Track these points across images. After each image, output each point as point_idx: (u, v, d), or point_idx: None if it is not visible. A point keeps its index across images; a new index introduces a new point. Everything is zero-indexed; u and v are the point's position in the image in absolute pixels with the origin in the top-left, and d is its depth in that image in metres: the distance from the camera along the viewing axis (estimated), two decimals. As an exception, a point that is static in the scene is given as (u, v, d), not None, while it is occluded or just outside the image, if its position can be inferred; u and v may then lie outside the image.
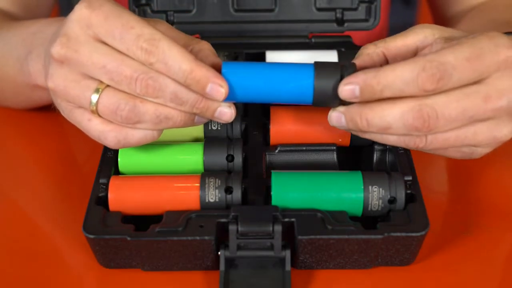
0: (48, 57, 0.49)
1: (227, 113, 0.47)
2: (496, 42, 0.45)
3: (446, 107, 0.44)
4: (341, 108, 0.47)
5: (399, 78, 0.44)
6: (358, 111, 0.46)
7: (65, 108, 0.49)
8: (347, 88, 0.45)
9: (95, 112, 0.47)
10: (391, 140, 0.47)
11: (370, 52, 0.50)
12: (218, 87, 0.46)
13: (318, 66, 0.47)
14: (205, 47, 0.50)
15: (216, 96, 0.46)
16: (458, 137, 0.46)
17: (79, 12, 0.46)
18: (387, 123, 0.45)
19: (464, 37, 0.46)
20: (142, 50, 0.45)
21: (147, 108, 0.46)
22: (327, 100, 0.47)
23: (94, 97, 0.46)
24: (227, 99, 0.47)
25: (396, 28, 0.63)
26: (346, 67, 0.47)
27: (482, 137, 0.46)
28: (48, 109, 0.65)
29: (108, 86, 0.46)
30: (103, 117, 0.47)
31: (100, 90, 0.46)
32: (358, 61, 0.50)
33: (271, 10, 0.65)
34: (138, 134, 0.48)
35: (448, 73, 0.44)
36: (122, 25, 0.45)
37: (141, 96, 0.46)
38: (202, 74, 0.45)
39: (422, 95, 0.44)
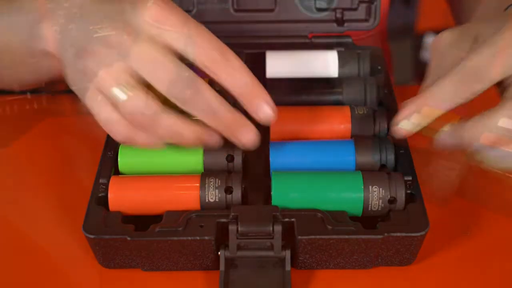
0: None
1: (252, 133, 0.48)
2: None
3: None
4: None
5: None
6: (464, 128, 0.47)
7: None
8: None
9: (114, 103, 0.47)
10: None
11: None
12: (267, 107, 0.47)
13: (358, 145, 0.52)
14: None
15: (264, 115, 0.47)
16: None
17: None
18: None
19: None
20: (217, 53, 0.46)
21: (165, 123, 0.46)
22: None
23: (120, 93, 0.46)
24: None
25: (396, 28, 0.62)
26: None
27: None
28: (49, 109, 0.66)
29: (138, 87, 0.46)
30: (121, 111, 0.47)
31: (130, 87, 0.46)
32: None
33: (271, 10, 0.65)
34: (146, 139, 0.48)
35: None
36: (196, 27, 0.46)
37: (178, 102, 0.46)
38: (259, 89, 0.47)
39: None
